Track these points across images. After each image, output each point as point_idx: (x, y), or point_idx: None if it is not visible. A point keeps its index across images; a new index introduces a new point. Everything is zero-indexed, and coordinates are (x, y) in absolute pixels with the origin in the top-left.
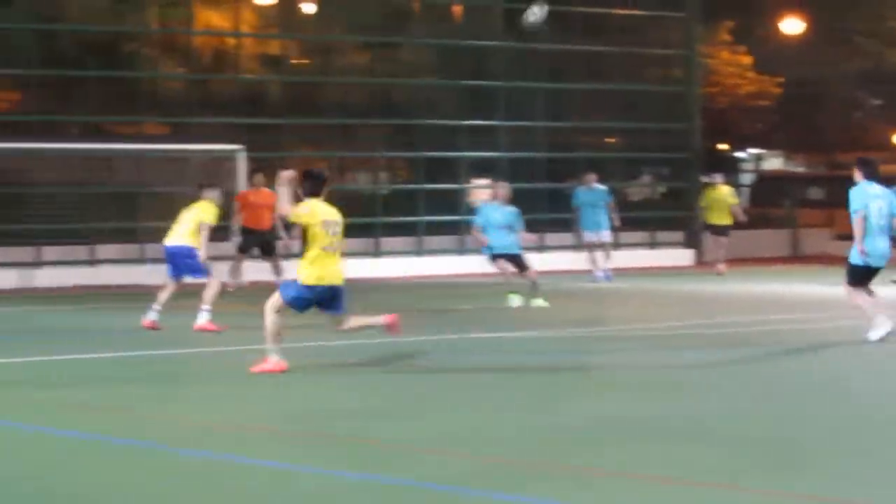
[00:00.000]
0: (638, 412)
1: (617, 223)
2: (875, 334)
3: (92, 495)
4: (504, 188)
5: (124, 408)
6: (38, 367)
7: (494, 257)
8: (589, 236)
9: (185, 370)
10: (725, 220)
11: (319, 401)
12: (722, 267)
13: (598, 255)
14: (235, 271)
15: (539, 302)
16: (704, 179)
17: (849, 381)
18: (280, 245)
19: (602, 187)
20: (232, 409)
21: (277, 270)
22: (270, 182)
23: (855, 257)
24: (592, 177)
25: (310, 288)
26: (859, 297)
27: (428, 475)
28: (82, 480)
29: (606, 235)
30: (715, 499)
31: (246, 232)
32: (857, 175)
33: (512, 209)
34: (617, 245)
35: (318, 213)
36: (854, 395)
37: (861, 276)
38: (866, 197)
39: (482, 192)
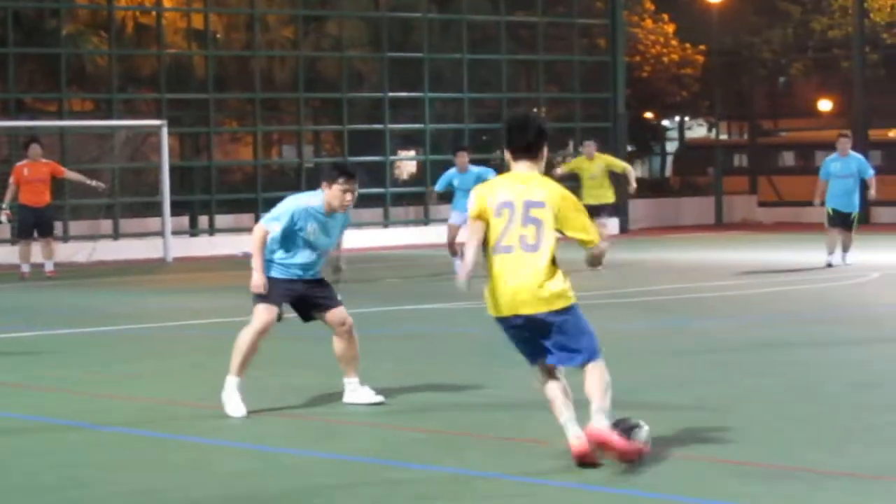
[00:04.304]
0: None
1: None
2: None
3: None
4: None
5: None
6: None
7: None
8: (457, 217)
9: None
10: (604, 199)
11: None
12: None
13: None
14: (26, 256)
15: None
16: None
17: (773, 349)
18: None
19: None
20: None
21: (50, 254)
22: (50, 152)
23: None
24: (466, 158)
25: (497, 320)
26: None
27: (362, 449)
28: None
29: None
30: (646, 466)
31: (22, 210)
32: None
33: None
34: None
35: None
36: (779, 363)
37: None
38: None
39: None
